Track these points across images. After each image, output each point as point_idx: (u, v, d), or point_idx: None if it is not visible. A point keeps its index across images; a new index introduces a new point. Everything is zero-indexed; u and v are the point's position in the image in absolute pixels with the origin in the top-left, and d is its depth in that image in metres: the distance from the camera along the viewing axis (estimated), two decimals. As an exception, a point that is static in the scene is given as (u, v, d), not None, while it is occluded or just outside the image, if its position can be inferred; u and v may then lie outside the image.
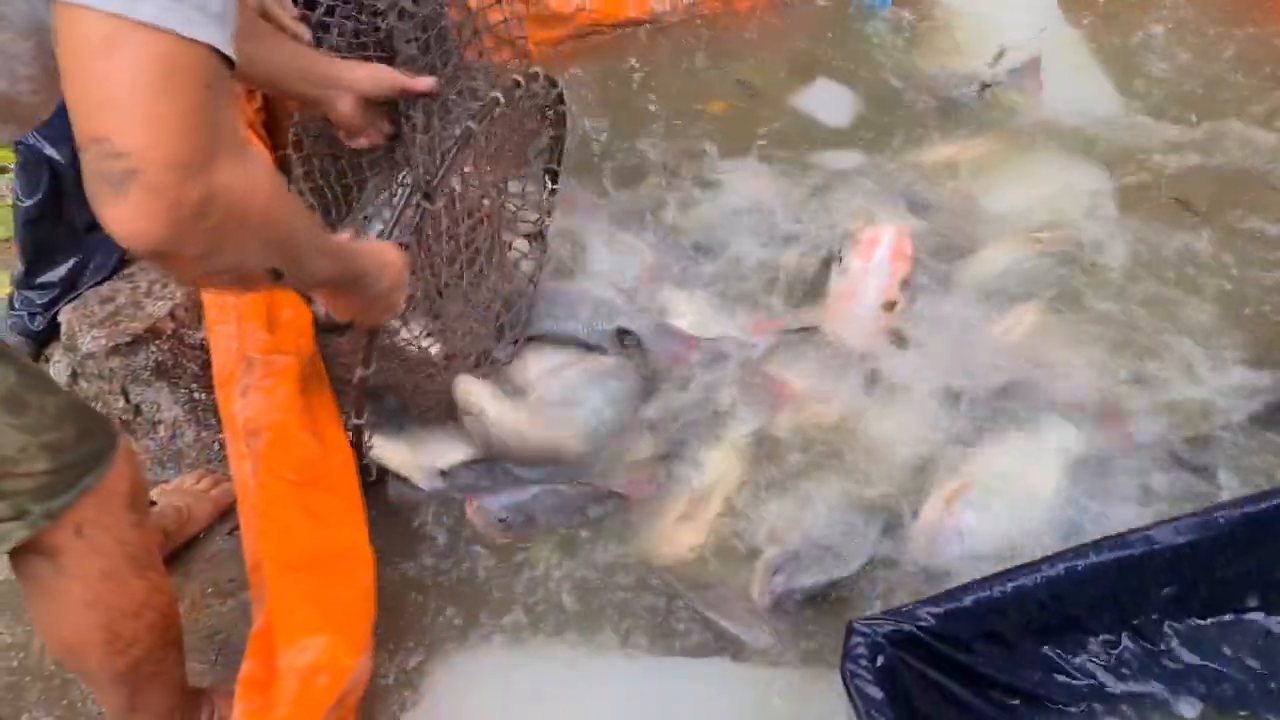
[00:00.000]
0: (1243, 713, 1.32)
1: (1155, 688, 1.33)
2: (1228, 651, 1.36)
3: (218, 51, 0.80)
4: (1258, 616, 1.39)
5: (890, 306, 1.86)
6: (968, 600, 1.26)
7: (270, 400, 1.45)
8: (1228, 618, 1.39)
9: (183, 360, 1.91)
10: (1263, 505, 1.33)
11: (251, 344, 1.52)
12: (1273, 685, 1.33)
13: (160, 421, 1.92)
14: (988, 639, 1.28)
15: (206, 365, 1.77)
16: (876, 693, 1.16)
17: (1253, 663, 1.35)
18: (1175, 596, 1.36)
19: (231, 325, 1.56)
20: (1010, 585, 1.28)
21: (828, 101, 2.44)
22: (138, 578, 1.27)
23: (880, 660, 1.19)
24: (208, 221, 0.82)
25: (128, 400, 1.90)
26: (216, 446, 1.90)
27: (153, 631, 1.31)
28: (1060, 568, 1.29)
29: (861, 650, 1.20)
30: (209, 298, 1.65)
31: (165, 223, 0.79)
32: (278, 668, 1.17)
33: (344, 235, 1.23)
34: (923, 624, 1.24)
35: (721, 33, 2.67)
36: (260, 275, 0.96)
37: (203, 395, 1.91)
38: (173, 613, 1.36)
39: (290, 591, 1.25)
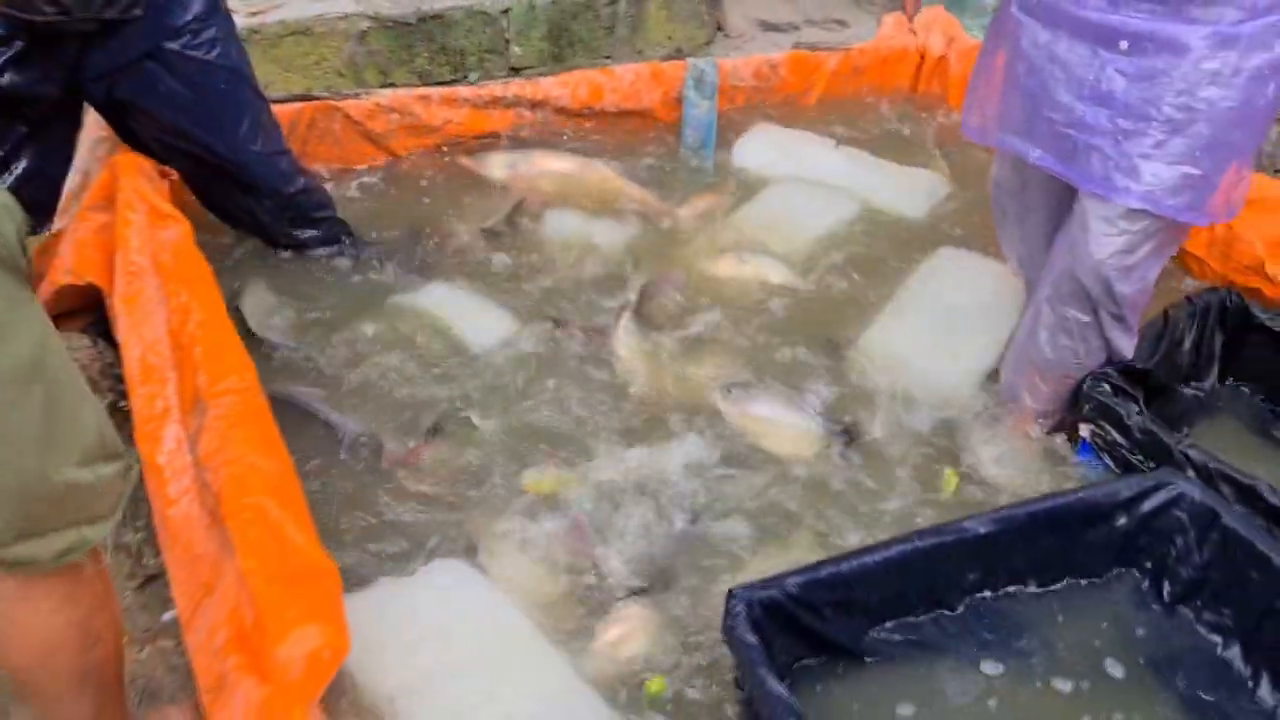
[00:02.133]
0: (1035, 671, 1.64)
1: (966, 651, 1.65)
2: (1019, 622, 1.69)
3: None
4: (1038, 593, 1.74)
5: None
6: (823, 573, 1.57)
7: (226, 435, 1.66)
8: (1018, 594, 1.73)
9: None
10: (1042, 505, 1.69)
11: (201, 388, 1.74)
12: (1058, 648, 1.66)
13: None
14: (836, 606, 1.57)
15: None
16: (752, 639, 1.45)
17: (1041, 630, 1.69)
18: (980, 577, 1.69)
19: (158, 386, 1.79)
20: (855, 563, 1.59)
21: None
22: (95, 565, 1.31)
23: (754, 616, 1.48)
24: None
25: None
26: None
27: (114, 627, 1.36)
28: (895, 550, 1.60)
29: (740, 609, 1.48)
30: (129, 360, 1.86)
31: None
32: (277, 658, 1.34)
33: None
34: (788, 591, 1.53)
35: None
36: None
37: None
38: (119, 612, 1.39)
39: (278, 594, 1.42)
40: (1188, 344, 2.17)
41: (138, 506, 1.81)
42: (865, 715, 1.57)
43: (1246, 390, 2.23)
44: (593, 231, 2.62)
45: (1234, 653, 1.65)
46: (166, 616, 1.80)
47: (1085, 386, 2.00)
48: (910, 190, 2.86)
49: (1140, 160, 1.79)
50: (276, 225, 2.40)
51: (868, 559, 1.59)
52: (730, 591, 1.51)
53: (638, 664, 1.63)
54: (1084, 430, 2.02)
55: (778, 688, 1.39)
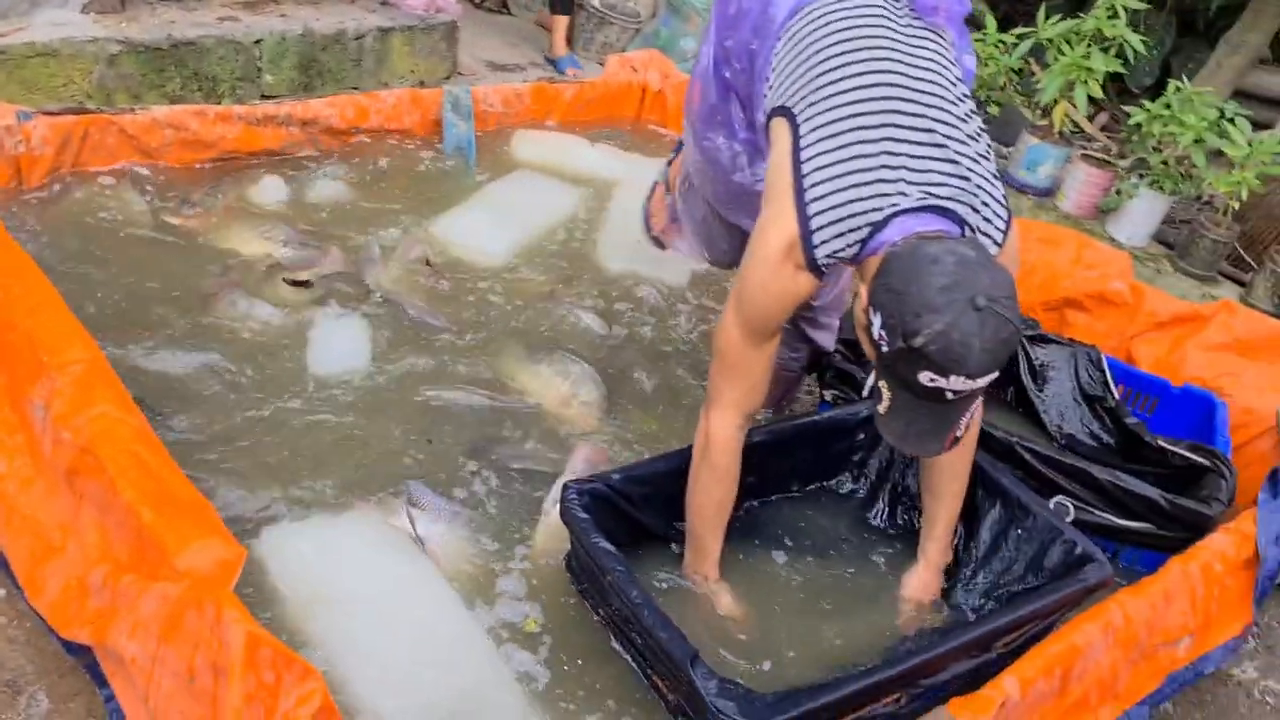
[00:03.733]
0: (810, 559, 2.09)
1: (755, 542, 2.08)
2: (791, 519, 2.15)
3: None
4: (799, 496, 2.21)
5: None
6: (637, 471, 1.95)
7: (82, 399, 1.79)
8: (785, 497, 2.20)
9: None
10: (803, 421, 2.18)
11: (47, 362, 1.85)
12: (831, 540, 2.14)
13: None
14: (647, 499, 1.95)
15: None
16: (584, 516, 1.80)
17: (815, 524, 2.16)
18: (756, 482, 2.11)
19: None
20: (662, 465, 1.98)
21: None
22: None
23: (584, 503, 1.83)
24: None
25: None
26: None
27: None
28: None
29: (573, 495, 1.83)
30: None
31: None
32: (180, 565, 1.52)
33: None
34: (611, 484, 1.89)
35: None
36: None
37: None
38: None
39: (168, 520, 1.59)
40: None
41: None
42: (672, 583, 1.95)
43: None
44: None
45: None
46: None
47: (824, 360, 2.49)
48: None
49: None
50: None
51: (673, 461, 1.98)
52: (565, 484, 1.85)
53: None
54: (827, 394, 2.53)
55: (605, 544, 1.74)
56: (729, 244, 2.39)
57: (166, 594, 1.50)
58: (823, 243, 1.64)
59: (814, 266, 1.67)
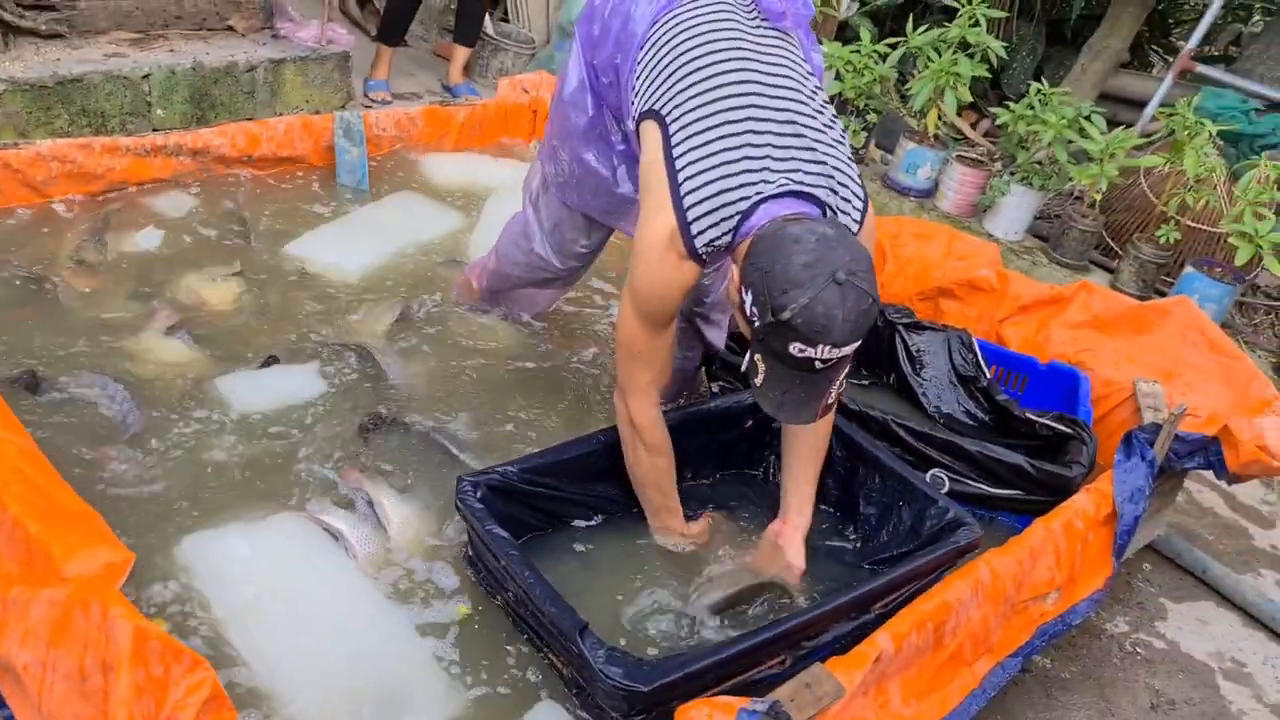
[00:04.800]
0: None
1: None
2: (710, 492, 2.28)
3: None
4: (691, 484, 2.30)
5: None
6: (533, 462, 2.02)
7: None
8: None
9: None
10: (693, 410, 2.29)
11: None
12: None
13: None
14: (546, 487, 2.03)
15: None
16: (479, 506, 1.86)
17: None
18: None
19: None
20: (558, 456, 2.06)
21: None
22: None
23: (479, 493, 1.90)
24: None
25: None
26: None
27: None
28: (595, 443, 2.10)
29: (468, 488, 1.89)
30: None
31: None
32: (68, 572, 1.56)
33: None
34: (506, 475, 1.96)
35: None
36: None
37: None
38: None
39: (55, 530, 1.63)
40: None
41: None
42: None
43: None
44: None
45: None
46: None
47: (713, 353, 2.60)
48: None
49: None
50: None
51: (570, 450, 2.08)
52: (459, 478, 1.92)
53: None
54: (714, 386, 2.63)
55: (498, 530, 1.81)
56: (588, 242, 2.51)
57: (54, 598, 1.52)
58: (700, 232, 1.77)
59: (695, 255, 1.79)
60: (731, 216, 1.76)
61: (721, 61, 1.86)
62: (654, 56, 1.93)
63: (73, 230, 2.83)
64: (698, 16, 1.93)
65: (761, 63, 1.87)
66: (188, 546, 1.90)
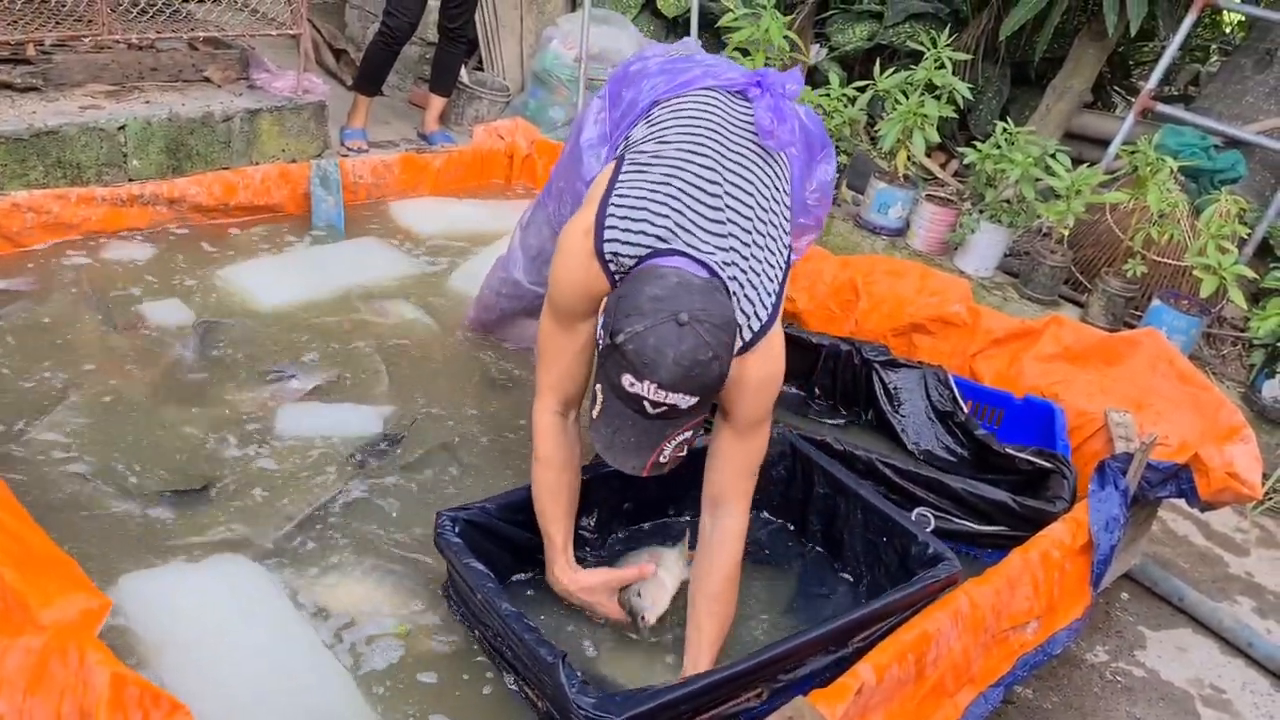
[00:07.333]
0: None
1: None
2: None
3: None
4: (676, 520, 2.31)
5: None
6: (513, 498, 2.02)
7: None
8: (665, 523, 2.30)
9: None
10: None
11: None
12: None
13: None
14: (516, 523, 2.03)
15: None
16: (457, 541, 1.87)
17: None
18: (634, 508, 2.24)
19: None
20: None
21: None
22: None
23: (458, 529, 1.90)
24: None
25: None
26: None
27: None
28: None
29: (446, 523, 1.90)
30: None
31: None
32: (44, 620, 1.54)
33: None
34: (484, 511, 1.97)
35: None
36: None
37: None
38: None
39: (32, 578, 1.61)
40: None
41: None
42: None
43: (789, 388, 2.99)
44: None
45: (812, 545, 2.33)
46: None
47: None
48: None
49: None
50: None
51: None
52: (438, 513, 1.92)
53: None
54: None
55: (476, 564, 1.81)
56: None
57: (30, 646, 1.50)
58: (610, 239, 1.80)
59: (601, 257, 1.81)
60: (642, 246, 1.77)
61: (692, 143, 1.91)
62: (641, 128, 2.04)
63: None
64: (692, 103, 2.03)
65: (730, 163, 1.90)
66: (124, 587, 1.88)
